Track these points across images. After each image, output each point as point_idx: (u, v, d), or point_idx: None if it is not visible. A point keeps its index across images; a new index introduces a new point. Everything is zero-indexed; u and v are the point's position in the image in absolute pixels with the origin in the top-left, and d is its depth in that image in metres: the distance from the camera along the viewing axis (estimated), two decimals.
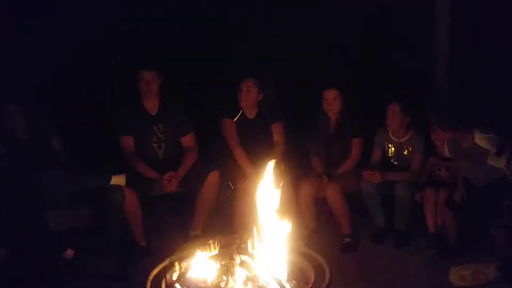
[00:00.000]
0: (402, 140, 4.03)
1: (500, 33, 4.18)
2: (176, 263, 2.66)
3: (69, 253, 3.43)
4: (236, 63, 4.78)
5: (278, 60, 4.84)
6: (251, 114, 4.16)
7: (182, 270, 2.66)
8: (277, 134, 4.16)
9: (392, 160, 4.08)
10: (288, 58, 4.89)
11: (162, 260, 2.71)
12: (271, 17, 4.97)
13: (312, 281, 2.47)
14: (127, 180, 3.70)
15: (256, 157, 3.94)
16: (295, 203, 3.93)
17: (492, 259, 3.23)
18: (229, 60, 4.89)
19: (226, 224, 4.00)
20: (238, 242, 2.65)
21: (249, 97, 4.07)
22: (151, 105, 3.99)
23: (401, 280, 3.34)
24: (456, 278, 3.23)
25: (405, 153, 4.02)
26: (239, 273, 2.55)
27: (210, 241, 2.76)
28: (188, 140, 4.07)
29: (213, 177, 3.87)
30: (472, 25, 4.29)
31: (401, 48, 4.69)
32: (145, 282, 2.57)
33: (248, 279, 2.52)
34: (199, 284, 2.58)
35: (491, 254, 3.38)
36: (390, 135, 4.06)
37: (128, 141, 3.92)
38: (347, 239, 3.88)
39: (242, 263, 2.57)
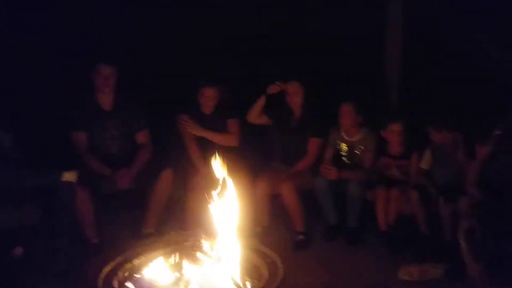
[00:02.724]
0: (354, 139, 4.12)
1: (451, 34, 4.34)
2: (129, 261, 2.63)
3: (18, 251, 3.32)
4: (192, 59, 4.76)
5: (236, 57, 4.86)
6: (208, 110, 4.17)
7: (135, 268, 2.63)
8: (233, 129, 4.18)
9: (344, 159, 4.16)
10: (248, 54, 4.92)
11: (114, 258, 2.66)
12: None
13: (265, 278, 2.49)
14: (78, 177, 3.62)
15: (212, 151, 3.95)
16: (250, 200, 3.95)
17: (441, 260, 3.32)
18: (185, 58, 4.86)
19: (179, 221, 3.98)
20: (191, 239, 2.64)
21: (211, 103, 4.13)
22: (105, 101, 3.92)
23: (352, 276, 3.41)
24: (404, 274, 3.32)
25: (357, 151, 4.12)
26: (193, 270, 2.54)
27: (163, 239, 2.74)
28: (142, 137, 4.03)
29: (166, 174, 3.84)
30: (423, 26, 4.44)
31: (353, 49, 4.79)
32: (97, 280, 2.52)
33: (202, 276, 2.52)
34: (152, 282, 2.55)
35: (441, 254, 3.46)
36: (343, 134, 4.14)
37: (80, 137, 3.84)
38: (300, 237, 3.93)
39: (195, 260, 2.56)
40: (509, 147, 3.35)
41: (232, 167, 3.93)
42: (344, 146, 4.15)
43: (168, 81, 4.71)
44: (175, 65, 4.78)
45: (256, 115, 4.26)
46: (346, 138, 4.13)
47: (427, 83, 4.47)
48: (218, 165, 2.79)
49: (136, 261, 2.73)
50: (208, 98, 4.11)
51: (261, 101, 4.20)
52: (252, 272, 2.69)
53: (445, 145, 3.78)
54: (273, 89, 4.18)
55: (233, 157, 4.08)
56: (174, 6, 4.84)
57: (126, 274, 2.60)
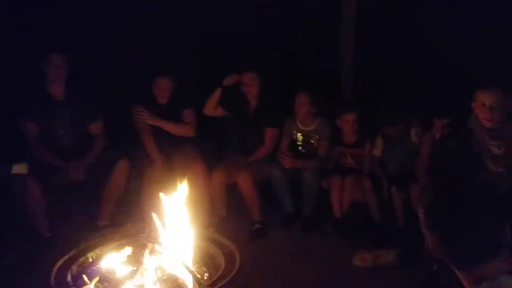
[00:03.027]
0: (309, 128, 4.17)
1: (404, 28, 4.44)
2: (83, 254, 2.59)
3: None
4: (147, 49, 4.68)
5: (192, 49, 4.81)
6: (163, 100, 4.12)
7: (89, 261, 2.59)
8: (188, 120, 4.15)
9: (300, 148, 4.22)
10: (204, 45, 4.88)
11: (68, 251, 2.61)
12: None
13: (222, 267, 2.51)
14: (29, 169, 3.52)
15: (167, 142, 3.93)
16: (206, 190, 3.95)
17: (394, 246, 3.43)
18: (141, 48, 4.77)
19: (135, 213, 3.93)
20: (147, 230, 2.62)
21: (166, 93, 4.09)
22: (57, 91, 3.82)
23: (308, 263, 3.47)
24: (358, 260, 3.41)
25: (312, 141, 4.18)
26: (149, 262, 2.52)
27: (119, 231, 2.70)
28: (96, 128, 3.96)
29: (122, 165, 3.79)
30: (377, 19, 4.52)
31: (308, 40, 4.83)
32: (49, 275, 2.46)
33: (158, 267, 2.51)
34: (107, 274, 2.52)
35: (394, 240, 3.57)
36: (298, 124, 4.19)
37: (31, 128, 3.73)
38: (257, 225, 3.96)
39: (151, 252, 2.54)
40: (456, 135, 3.49)
41: (188, 158, 3.95)
42: (299, 136, 4.20)
43: (124, 72, 4.62)
44: (131, 55, 4.69)
45: (212, 107, 4.24)
46: (301, 128, 4.19)
47: (381, 73, 4.57)
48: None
49: (90, 254, 2.68)
50: (163, 89, 4.07)
51: (217, 93, 4.19)
52: (209, 262, 2.69)
53: (395, 135, 3.89)
54: (229, 80, 4.17)
55: (189, 148, 4.08)
56: None
57: (80, 268, 2.55)
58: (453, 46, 4.25)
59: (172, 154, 4.08)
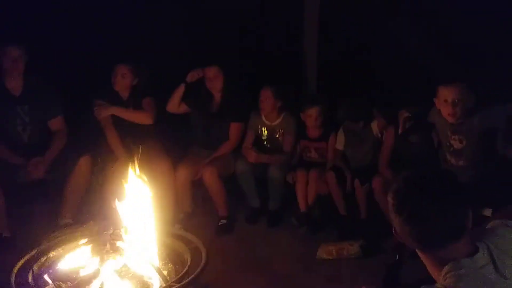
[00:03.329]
0: (274, 123, 4.19)
1: (367, 25, 4.51)
2: (45, 254, 2.53)
3: None
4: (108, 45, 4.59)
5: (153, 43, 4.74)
6: (124, 95, 4.06)
7: (51, 261, 2.53)
8: (147, 107, 4.06)
9: (265, 143, 4.23)
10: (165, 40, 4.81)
11: (29, 251, 2.54)
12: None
13: (188, 263, 2.49)
14: None
15: (131, 138, 3.87)
16: (172, 186, 3.92)
17: (358, 238, 3.49)
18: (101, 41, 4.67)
19: (98, 210, 3.85)
20: (111, 228, 2.57)
21: (124, 82, 4.00)
22: (14, 85, 3.70)
23: (275, 257, 3.50)
24: (322, 253, 3.46)
25: (277, 136, 4.20)
26: (114, 260, 2.49)
27: (81, 229, 2.65)
28: (56, 123, 3.86)
29: (84, 161, 3.71)
30: (340, 15, 4.57)
31: (273, 34, 4.84)
32: (10, 275, 2.39)
33: (123, 265, 2.47)
34: (70, 274, 2.47)
35: (358, 232, 3.63)
36: (263, 118, 4.20)
37: None
38: (223, 221, 3.96)
39: (116, 250, 2.51)
40: (418, 128, 3.57)
41: (153, 154, 3.90)
42: (264, 131, 4.21)
43: (85, 65, 4.52)
44: (92, 48, 4.58)
45: (176, 105, 4.19)
46: (266, 122, 4.20)
47: (344, 68, 4.63)
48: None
49: (52, 254, 2.62)
50: (121, 76, 3.98)
51: (180, 90, 4.14)
52: (175, 258, 2.67)
53: (358, 129, 3.95)
54: (192, 76, 4.13)
55: (154, 144, 4.03)
56: None
57: (42, 268, 2.48)
58: (414, 41, 4.34)
59: (136, 150, 4.01)
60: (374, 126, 3.88)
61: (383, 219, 3.49)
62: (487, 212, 2.92)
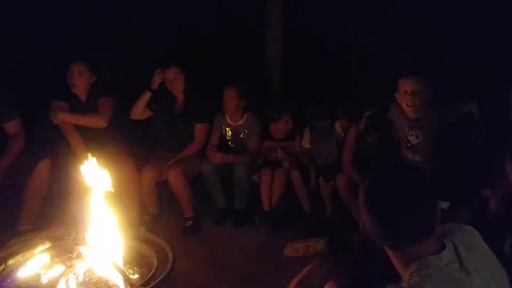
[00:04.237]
0: (238, 123, 4.17)
1: (330, 27, 4.56)
2: (3, 262, 2.43)
3: None
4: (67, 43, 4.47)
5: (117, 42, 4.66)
6: (83, 96, 3.96)
7: (11, 268, 2.43)
8: (102, 109, 3.93)
9: (230, 143, 4.21)
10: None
11: None
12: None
13: (155, 266, 2.45)
14: None
15: (90, 138, 3.78)
16: (136, 188, 3.85)
17: (323, 235, 3.51)
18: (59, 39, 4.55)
19: (60, 214, 3.75)
20: (73, 233, 2.50)
21: (81, 81, 3.88)
22: None
23: (241, 257, 3.48)
24: (289, 250, 3.47)
25: (241, 135, 4.18)
26: (77, 266, 2.42)
27: (42, 235, 2.56)
28: (12, 126, 3.71)
29: (43, 165, 3.59)
30: (304, 15, 4.61)
31: (236, 33, 4.83)
32: None
33: (87, 270, 2.41)
34: (31, 282, 2.38)
35: (324, 229, 3.65)
36: (227, 118, 4.18)
37: None
38: (189, 222, 3.92)
39: (79, 255, 2.44)
40: (377, 127, 3.63)
41: (117, 156, 3.81)
42: (228, 131, 4.19)
43: (41, 65, 4.40)
44: (50, 46, 4.46)
45: (141, 112, 4.11)
46: (231, 122, 4.18)
47: (309, 69, 4.67)
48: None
49: (11, 261, 2.53)
50: (78, 74, 3.85)
51: (145, 97, 4.06)
52: (141, 261, 2.62)
53: (323, 128, 3.99)
54: (156, 82, 4.04)
55: (118, 146, 3.95)
56: None
57: (0, 277, 2.39)
58: (377, 44, 4.43)
59: (99, 153, 3.92)
60: (337, 125, 3.92)
61: (348, 216, 3.55)
62: (444, 205, 3.00)
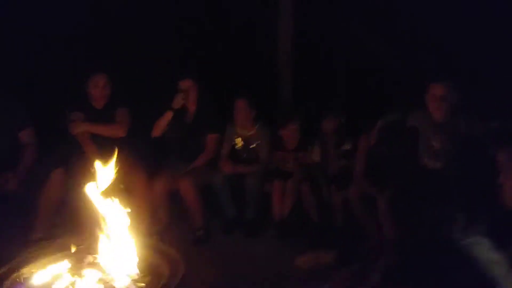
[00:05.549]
0: (249, 133, 4.20)
1: (341, 34, 4.58)
2: (16, 270, 2.47)
3: None
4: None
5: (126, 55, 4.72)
6: (99, 105, 4.00)
7: (25, 277, 2.47)
8: (120, 119, 3.98)
9: (241, 153, 4.23)
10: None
11: (0, 267, 2.48)
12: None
13: (166, 276, 2.47)
14: None
15: (106, 148, 3.82)
16: (148, 198, 3.88)
17: (332, 245, 3.51)
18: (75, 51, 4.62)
19: (73, 224, 3.79)
20: (86, 242, 2.53)
21: (105, 93, 3.94)
22: None
23: (251, 268, 3.48)
24: (299, 262, 3.47)
25: (252, 146, 4.20)
26: (90, 275, 2.45)
27: (55, 243, 2.60)
28: (25, 135, 3.77)
29: (57, 175, 3.63)
30: (315, 24, 4.63)
31: (247, 44, 4.87)
32: None
33: (100, 279, 2.44)
34: None
35: (334, 241, 3.65)
36: (238, 129, 4.20)
37: None
38: (199, 232, 3.93)
39: (92, 264, 2.47)
40: (391, 139, 3.63)
41: (128, 166, 3.84)
42: (239, 141, 4.21)
43: (57, 74, 4.46)
44: (61, 59, 4.53)
45: (161, 130, 4.15)
46: (241, 133, 4.20)
47: (319, 77, 4.69)
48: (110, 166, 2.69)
49: (25, 270, 2.56)
50: (101, 87, 3.90)
51: (167, 116, 4.10)
52: (152, 271, 2.64)
53: (333, 135, 3.99)
54: (178, 102, 4.07)
55: (130, 156, 3.98)
56: None
57: (14, 285, 2.42)
58: (390, 51, 4.43)
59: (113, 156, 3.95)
60: (325, 124, 3.98)
61: (357, 226, 3.55)
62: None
